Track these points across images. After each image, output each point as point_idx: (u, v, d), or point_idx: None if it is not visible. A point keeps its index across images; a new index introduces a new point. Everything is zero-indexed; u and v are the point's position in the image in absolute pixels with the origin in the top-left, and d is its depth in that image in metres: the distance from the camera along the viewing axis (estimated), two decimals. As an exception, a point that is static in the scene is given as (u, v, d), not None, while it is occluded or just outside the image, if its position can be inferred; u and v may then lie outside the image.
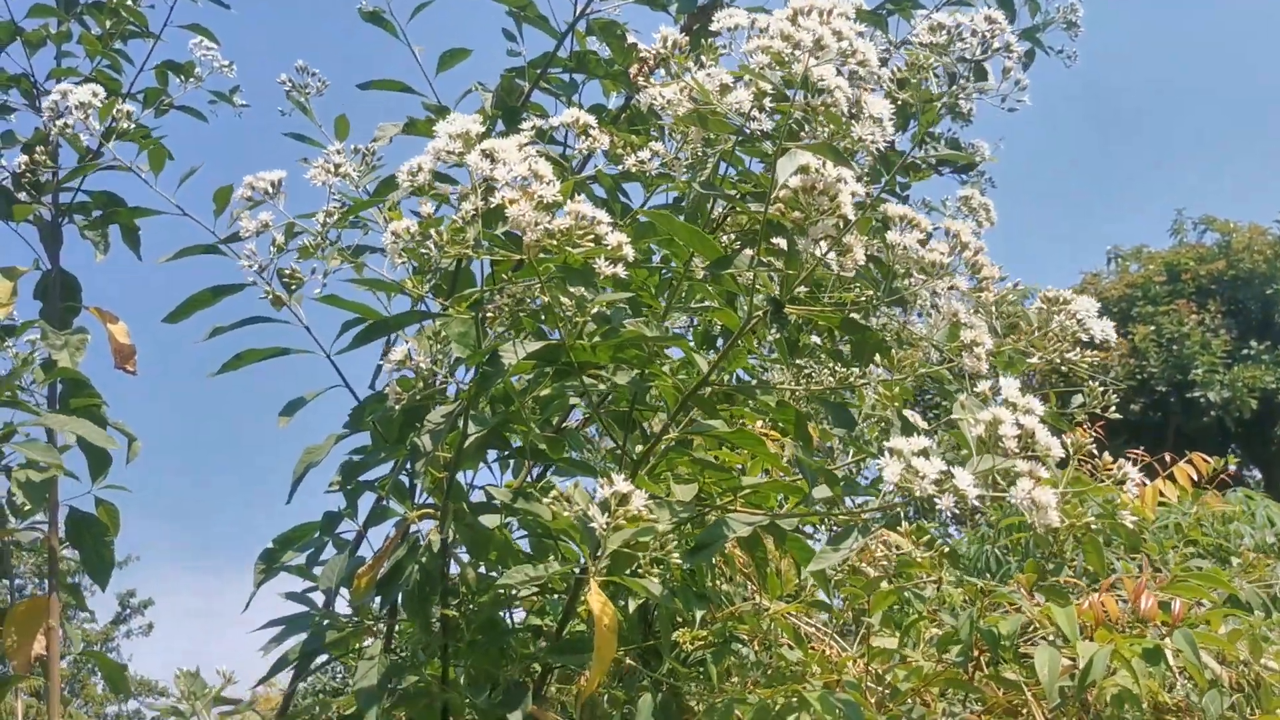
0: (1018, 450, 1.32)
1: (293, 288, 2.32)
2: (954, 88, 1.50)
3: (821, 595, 2.23)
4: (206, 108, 3.51)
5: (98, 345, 3.10)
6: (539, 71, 2.42)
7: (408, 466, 2.32)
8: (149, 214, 2.38)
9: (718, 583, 2.32)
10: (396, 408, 1.77)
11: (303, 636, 2.06)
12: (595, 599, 1.78)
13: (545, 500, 1.59)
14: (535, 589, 2.33)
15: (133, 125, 2.27)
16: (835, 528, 1.80)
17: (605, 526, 1.45)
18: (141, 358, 3.18)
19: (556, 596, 2.35)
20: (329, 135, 2.24)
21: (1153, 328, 16.86)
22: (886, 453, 1.33)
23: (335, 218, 1.80)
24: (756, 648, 2.17)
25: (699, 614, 2.18)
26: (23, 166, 2.62)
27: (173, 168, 3.09)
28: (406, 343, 1.73)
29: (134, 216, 2.39)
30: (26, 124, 3.42)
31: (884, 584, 2.08)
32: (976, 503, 1.28)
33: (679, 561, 1.60)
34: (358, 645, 2.22)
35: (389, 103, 2.46)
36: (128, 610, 18.38)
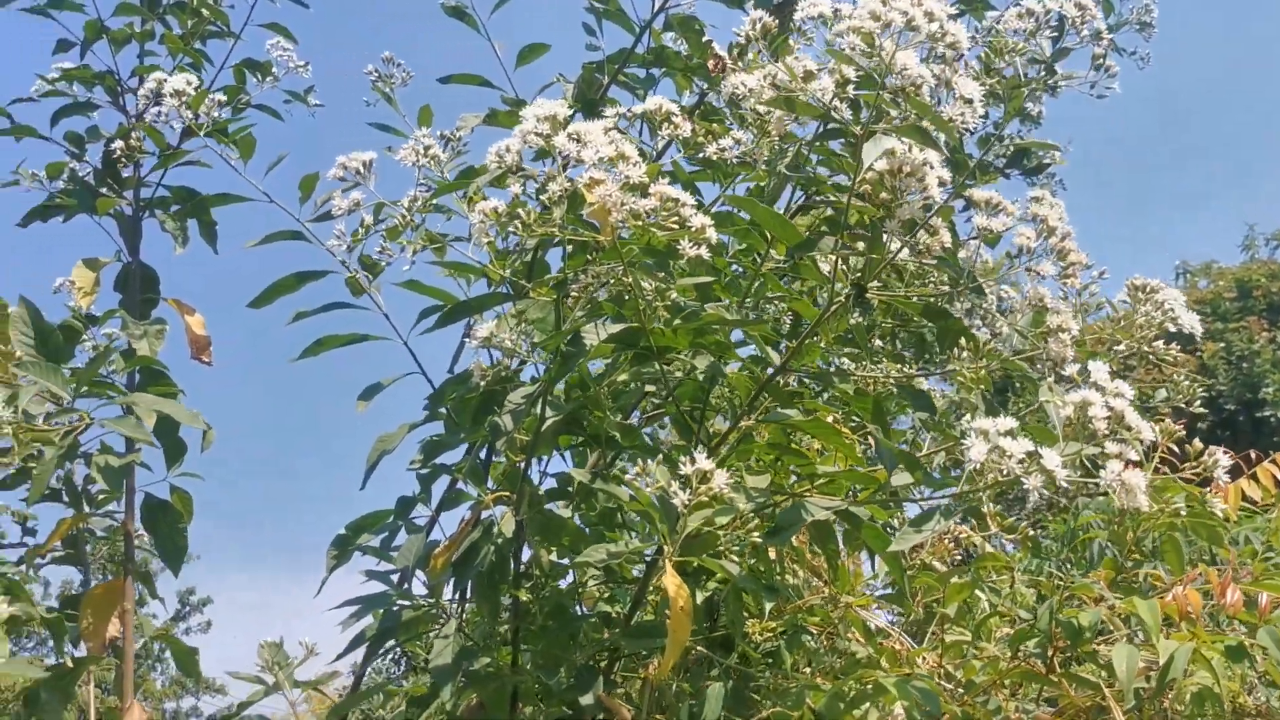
0: (1107, 432, 1.31)
1: (373, 274, 2.37)
2: (1042, 74, 1.50)
3: (870, 599, 2.22)
4: (281, 107, 3.59)
5: (174, 336, 3.18)
6: (617, 66, 2.44)
7: (481, 454, 2.36)
8: (238, 200, 2.43)
9: (785, 576, 2.32)
10: (481, 384, 1.80)
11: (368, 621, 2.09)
12: (670, 581, 1.78)
13: (626, 478, 1.60)
14: (603, 577, 2.35)
15: (223, 114, 2.33)
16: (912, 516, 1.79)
17: (687, 503, 1.46)
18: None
19: (624, 586, 2.37)
20: (412, 125, 2.28)
21: (1222, 345, 16.52)
22: (972, 433, 1.33)
23: (420, 202, 1.84)
24: (825, 642, 2.16)
25: (768, 606, 2.18)
26: (119, 152, 2.70)
27: (253, 160, 3.17)
28: (489, 322, 1.75)
29: (222, 204, 2.45)
30: (108, 122, 3.52)
31: (955, 579, 2.06)
32: (1064, 484, 1.27)
33: (759, 539, 1.60)
34: (426, 629, 2.25)
35: (468, 98, 2.49)
36: (187, 608, 18.70)
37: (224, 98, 2.32)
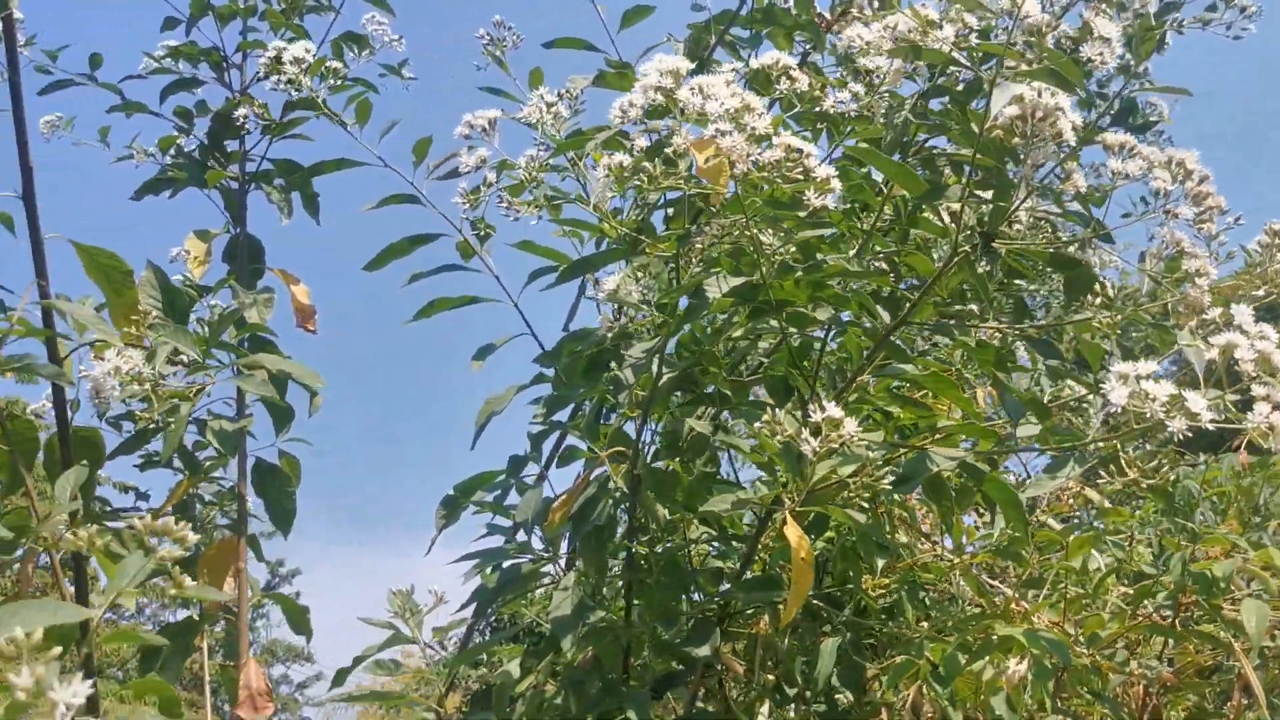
0: (1254, 375, 1.29)
1: (484, 238, 2.41)
2: (1175, 15, 1.47)
3: (989, 554, 2.20)
4: (376, 80, 3.65)
5: (279, 306, 3.27)
6: (723, 27, 2.44)
7: (592, 413, 2.39)
8: (354, 165, 2.49)
9: (895, 535, 2.31)
10: (607, 337, 1.82)
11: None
12: (793, 532, 1.80)
13: (755, 426, 1.61)
14: (712, 535, 2.36)
15: (339, 81, 2.38)
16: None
17: (817, 449, 1.47)
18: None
19: (733, 544, 2.38)
20: (522, 89, 2.31)
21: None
22: (1113, 377, 1.32)
23: (538, 162, 1.86)
24: (939, 599, 2.16)
25: (879, 564, 2.18)
26: (242, 120, 2.77)
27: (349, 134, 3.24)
28: (616, 276, 1.77)
29: (338, 169, 2.51)
30: (213, 97, 3.61)
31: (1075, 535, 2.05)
32: (1209, 426, 1.26)
33: (887, 487, 1.60)
34: (536, 584, 2.29)
35: (571, 63, 2.52)
36: (277, 579, 19.23)
37: (339, 64, 2.37)
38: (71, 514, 2.24)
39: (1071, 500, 2.08)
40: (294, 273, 3.51)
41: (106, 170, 3.52)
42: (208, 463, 3.19)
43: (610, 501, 2.06)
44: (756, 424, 1.55)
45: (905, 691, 2.28)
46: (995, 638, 1.79)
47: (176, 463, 3.04)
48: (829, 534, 2.32)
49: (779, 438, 1.50)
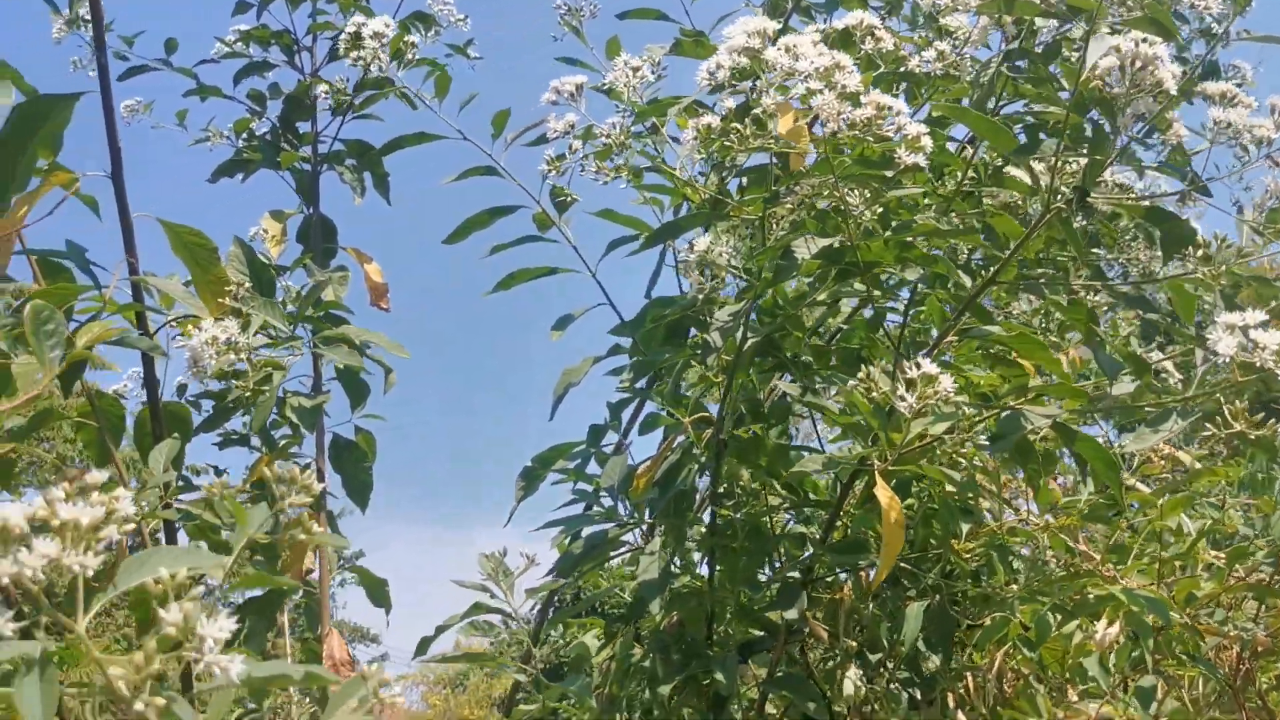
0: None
1: (563, 209, 2.42)
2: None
3: (1077, 517, 2.18)
4: (443, 59, 3.68)
5: (353, 284, 3.32)
6: (798, -9, 2.43)
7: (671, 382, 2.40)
8: (434, 139, 2.51)
9: (977, 501, 2.30)
10: (699, 298, 1.83)
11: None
12: (883, 492, 1.80)
13: (848, 385, 1.61)
14: (793, 501, 2.37)
15: (413, 58, 2.41)
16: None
17: (914, 406, 1.47)
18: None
19: (815, 511, 2.38)
20: (599, 59, 2.32)
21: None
22: (1219, 327, 1.30)
23: (620, 129, 1.87)
24: (1027, 563, 2.14)
25: (964, 529, 2.17)
26: (323, 95, 2.82)
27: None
28: (705, 237, 1.78)
29: (417, 143, 2.54)
30: (284, 81, 3.67)
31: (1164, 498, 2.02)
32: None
33: (985, 444, 1.60)
34: (612, 552, 2.31)
35: (645, 32, 2.51)
36: (342, 561, 19.51)
37: (415, 39, 2.39)
38: (165, 485, 2.29)
39: (1162, 462, 2.05)
40: (367, 252, 3.56)
41: (174, 157, 3.60)
42: (283, 441, 3.25)
43: (694, 467, 2.07)
44: (851, 382, 1.55)
45: (991, 656, 2.27)
46: (1092, 597, 1.77)
47: (254, 441, 3.10)
48: (910, 501, 2.31)
49: (874, 394, 1.50)
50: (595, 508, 2.14)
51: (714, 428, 2.05)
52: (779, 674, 2.21)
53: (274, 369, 2.08)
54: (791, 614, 2.04)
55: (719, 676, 2.01)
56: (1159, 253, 2.40)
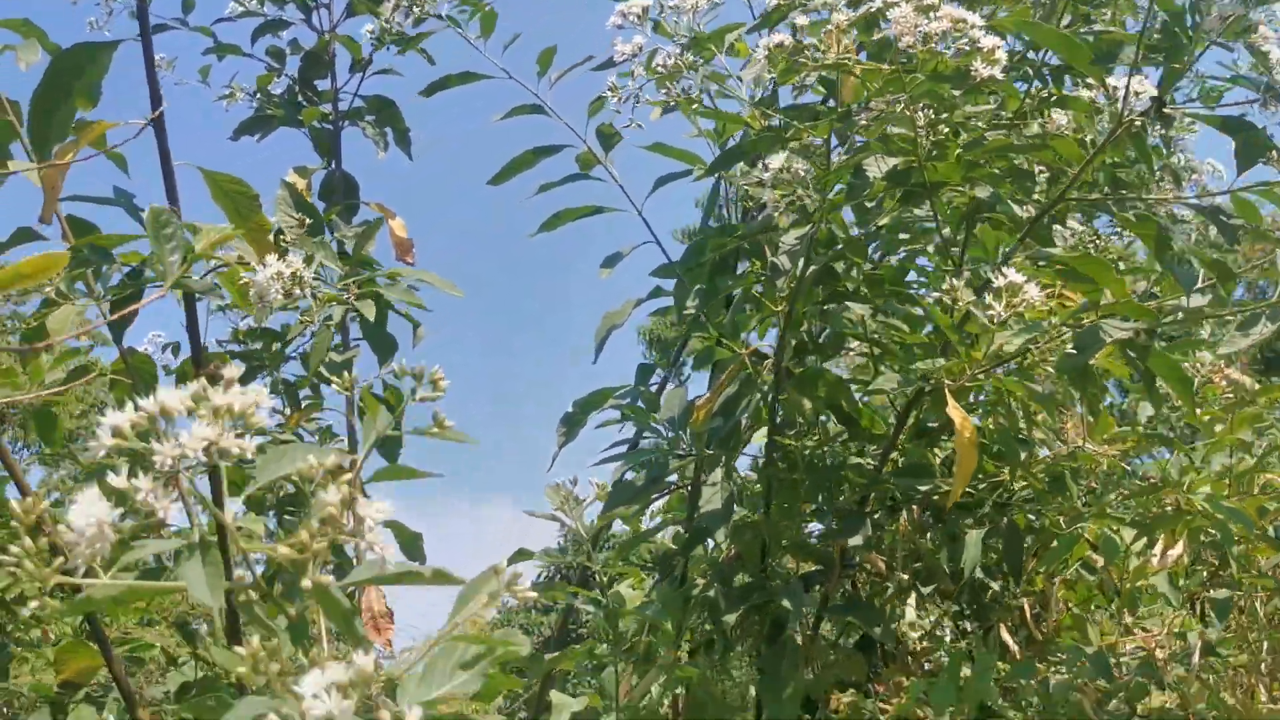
0: None
1: (612, 143, 2.41)
2: None
3: (1140, 438, 2.19)
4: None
5: (378, 239, 3.30)
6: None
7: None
8: (479, 78, 2.50)
9: (1030, 431, 2.31)
10: (775, 215, 1.83)
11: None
12: (956, 412, 1.80)
13: (927, 300, 1.61)
14: (851, 433, 2.36)
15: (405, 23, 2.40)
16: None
17: (1000, 315, 1.47)
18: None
19: (869, 444, 2.38)
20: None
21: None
22: (1315, 224, 1.30)
23: (683, 51, 1.86)
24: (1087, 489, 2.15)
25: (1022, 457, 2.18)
26: (376, 31, 2.80)
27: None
28: (780, 155, 1.77)
29: (463, 82, 2.52)
30: (300, 38, 3.65)
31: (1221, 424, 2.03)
32: None
33: (1072, 351, 1.60)
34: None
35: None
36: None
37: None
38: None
39: (1224, 384, 2.05)
40: (390, 207, 3.54)
41: (187, 117, 3.58)
42: (306, 403, 3.24)
43: (755, 397, 2.07)
44: (936, 293, 1.54)
45: (1047, 583, 2.29)
46: (1168, 510, 1.78)
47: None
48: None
49: (961, 302, 1.49)
50: (652, 442, 2.14)
51: (775, 356, 2.05)
52: (837, 602, 2.22)
53: (337, 303, 2.08)
54: (856, 541, 2.04)
55: (785, 604, 2.02)
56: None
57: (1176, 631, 1.85)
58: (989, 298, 1.46)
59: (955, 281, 1.54)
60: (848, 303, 1.92)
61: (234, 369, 0.94)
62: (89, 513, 0.80)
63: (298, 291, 1.84)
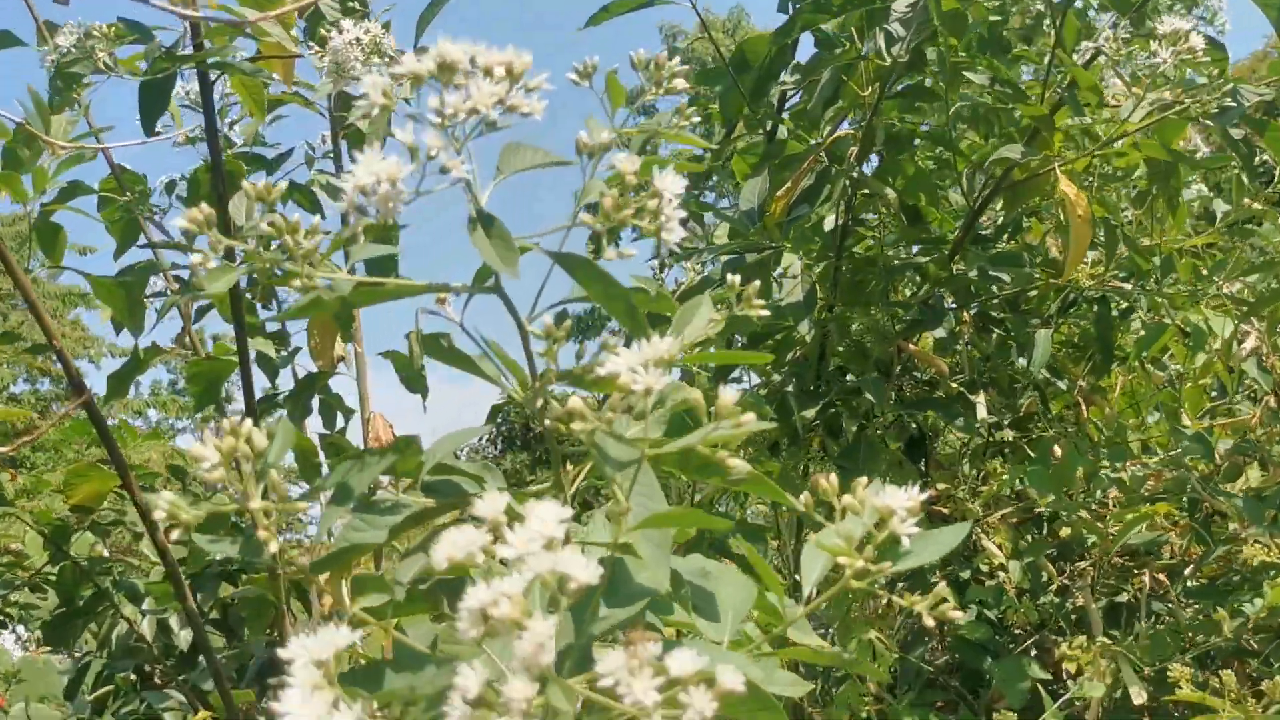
0: None
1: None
2: None
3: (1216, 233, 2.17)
4: None
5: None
6: None
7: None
8: None
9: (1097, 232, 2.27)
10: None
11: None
12: (1069, 187, 1.75)
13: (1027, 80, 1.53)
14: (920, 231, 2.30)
15: None
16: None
17: (1169, 62, 1.41)
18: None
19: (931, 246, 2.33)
20: None
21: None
22: None
23: None
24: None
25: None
26: None
27: None
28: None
29: None
30: None
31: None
32: None
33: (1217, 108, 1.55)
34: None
35: None
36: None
37: None
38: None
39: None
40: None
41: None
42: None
43: (842, 184, 1.99)
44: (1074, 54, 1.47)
45: (1114, 378, 2.29)
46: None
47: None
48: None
49: (1115, 52, 1.42)
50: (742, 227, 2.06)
51: (862, 142, 1.98)
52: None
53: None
54: (939, 332, 2.02)
55: (868, 395, 1.99)
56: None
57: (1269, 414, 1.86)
58: (1153, 44, 1.39)
59: (1105, 30, 1.46)
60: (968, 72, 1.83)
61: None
62: (374, 170, 0.71)
63: (377, 59, 1.71)
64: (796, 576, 0.91)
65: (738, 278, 0.96)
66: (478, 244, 0.75)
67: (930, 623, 0.79)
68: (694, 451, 0.80)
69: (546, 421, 0.84)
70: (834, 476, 0.83)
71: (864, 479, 0.82)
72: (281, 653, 0.65)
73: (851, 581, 0.81)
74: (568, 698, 0.64)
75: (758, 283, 0.95)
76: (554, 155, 0.88)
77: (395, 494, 0.91)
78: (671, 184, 0.79)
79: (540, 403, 0.89)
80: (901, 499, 0.78)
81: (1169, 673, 1.42)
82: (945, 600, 0.81)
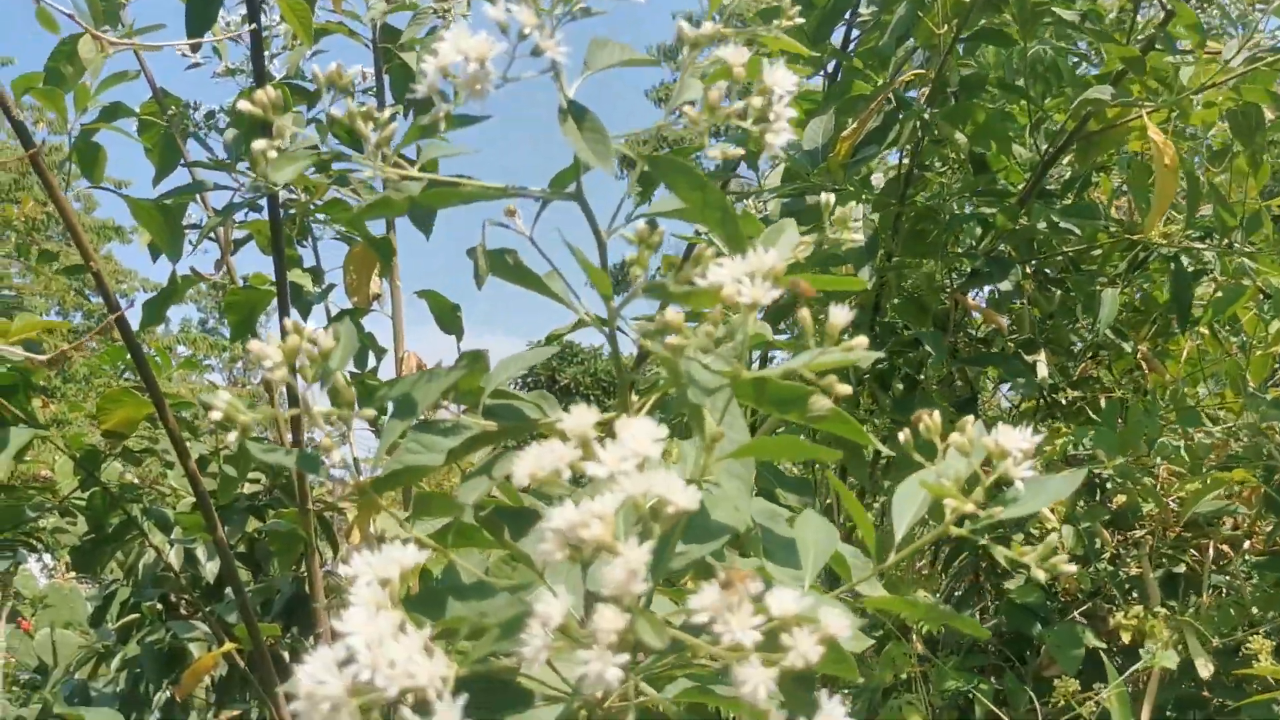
0: None
1: None
2: None
3: None
4: None
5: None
6: None
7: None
8: None
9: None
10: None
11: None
12: (1156, 134, 1.67)
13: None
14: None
15: None
16: None
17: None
18: None
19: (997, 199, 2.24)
20: None
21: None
22: None
23: None
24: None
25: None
26: None
27: None
28: None
29: None
30: None
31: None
32: None
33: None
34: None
35: None
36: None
37: None
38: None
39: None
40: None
41: None
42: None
43: (912, 126, 1.91)
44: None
45: (1182, 341, 2.21)
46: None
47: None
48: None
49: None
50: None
51: (934, 83, 1.89)
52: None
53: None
54: (1006, 285, 1.94)
55: (927, 348, 1.92)
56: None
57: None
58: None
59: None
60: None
61: None
62: (462, 48, 0.64)
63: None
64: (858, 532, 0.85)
65: (831, 197, 0.89)
66: (569, 136, 0.69)
67: (1041, 575, 0.73)
68: (770, 382, 0.74)
69: (635, 340, 0.78)
70: (937, 414, 0.77)
71: (970, 416, 0.75)
72: (344, 569, 0.59)
73: (952, 528, 0.75)
74: (657, 632, 0.58)
75: (852, 204, 0.88)
76: (640, 54, 0.81)
77: (455, 415, 0.85)
78: (784, 79, 0.72)
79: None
80: (1017, 439, 0.71)
81: (1249, 644, 1.36)
82: (1056, 553, 0.74)
